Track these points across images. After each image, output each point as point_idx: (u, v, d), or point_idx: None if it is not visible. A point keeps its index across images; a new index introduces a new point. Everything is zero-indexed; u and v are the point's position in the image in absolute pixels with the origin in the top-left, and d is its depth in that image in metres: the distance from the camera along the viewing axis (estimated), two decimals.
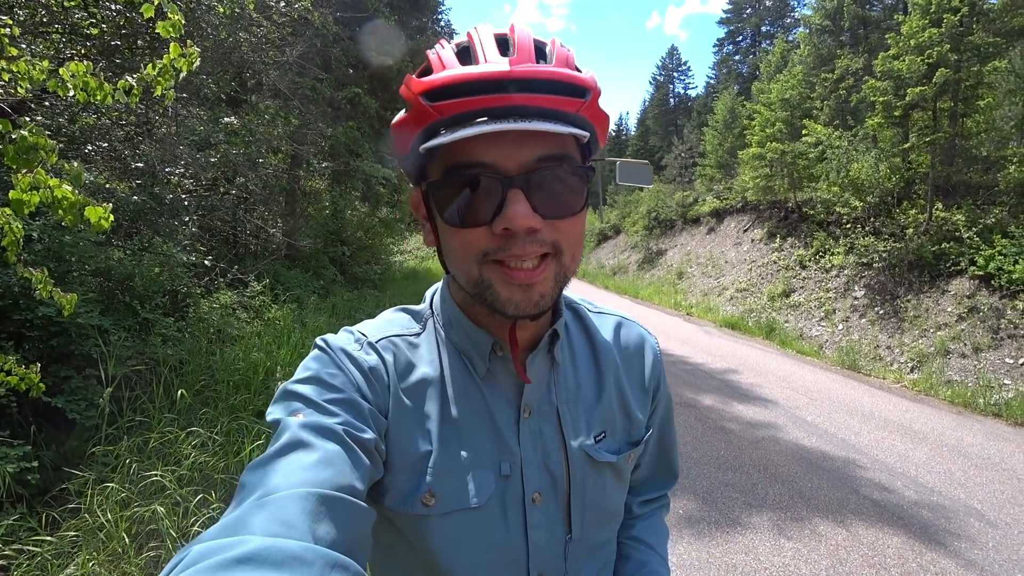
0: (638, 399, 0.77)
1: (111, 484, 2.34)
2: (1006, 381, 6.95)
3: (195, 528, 2.29)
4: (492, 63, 0.56)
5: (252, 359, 4.11)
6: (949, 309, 8.53)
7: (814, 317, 10.96)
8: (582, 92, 0.58)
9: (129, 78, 2.10)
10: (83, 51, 3.37)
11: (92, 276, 3.31)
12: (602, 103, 0.62)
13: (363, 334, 0.67)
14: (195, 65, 2.20)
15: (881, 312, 9.64)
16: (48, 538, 2.17)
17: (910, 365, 8.23)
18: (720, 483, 4.12)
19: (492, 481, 0.64)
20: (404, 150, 0.62)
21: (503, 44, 0.59)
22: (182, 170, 4.44)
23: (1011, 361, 7.20)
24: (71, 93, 1.86)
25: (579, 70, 0.60)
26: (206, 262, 4.63)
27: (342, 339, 0.66)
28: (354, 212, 11.22)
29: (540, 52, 0.59)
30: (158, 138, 4.19)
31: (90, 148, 3.87)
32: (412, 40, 9.24)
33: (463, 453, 0.64)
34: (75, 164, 1.82)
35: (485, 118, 0.54)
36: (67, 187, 1.68)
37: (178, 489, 2.41)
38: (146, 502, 2.34)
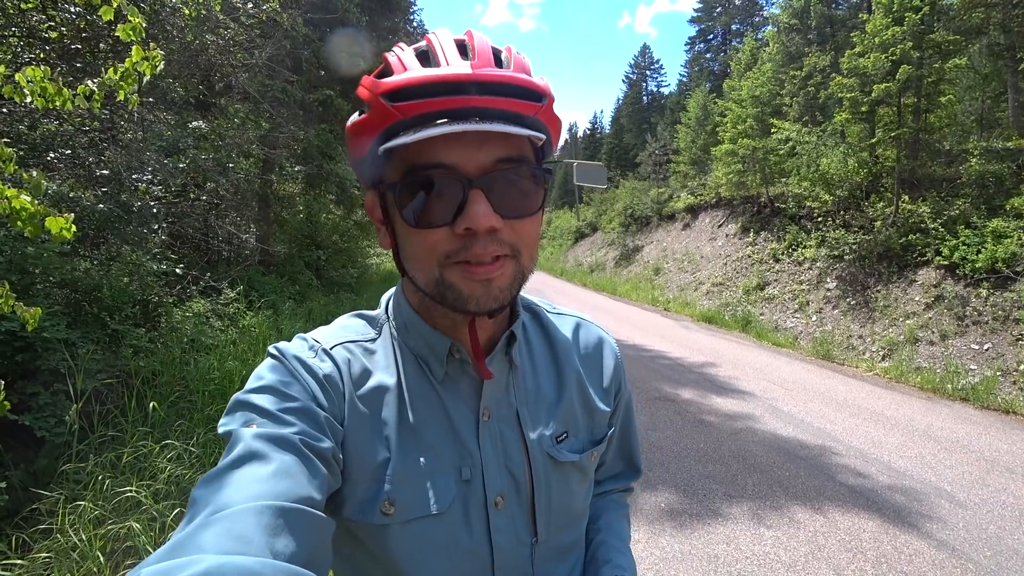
0: (600, 398, 0.78)
1: (83, 502, 2.26)
2: (972, 366, 7.20)
3: None
4: (454, 66, 0.56)
5: (227, 368, 4.03)
6: (917, 298, 8.81)
7: (788, 309, 11.20)
8: (539, 97, 0.59)
9: (90, 83, 2.04)
10: (42, 55, 3.25)
11: (58, 288, 3.20)
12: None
13: (317, 341, 0.66)
14: (159, 68, 2.15)
15: (852, 303, 9.90)
16: (19, 561, 2.09)
17: (881, 353, 8.48)
18: (700, 475, 4.18)
19: (453, 486, 0.63)
20: (360, 152, 0.61)
21: (463, 49, 0.59)
22: (150, 176, 4.31)
23: (976, 347, 7.47)
24: (28, 99, 1.80)
25: (532, 75, 0.62)
26: (177, 270, 4.52)
27: (296, 347, 0.64)
28: (329, 216, 11.09)
29: (497, 58, 0.60)
30: (124, 144, 4.06)
31: (52, 156, 3.73)
32: (384, 41, 9.15)
33: (422, 459, 0.63)
34: (35, 173, 1.76)
35: (446, 119, 0.55)
36: (25, 197, 1.62)
37: (154, 504, 2.35)
38: (121, 519, 2.27)
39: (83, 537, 2.11)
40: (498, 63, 0.59)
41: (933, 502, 3.80)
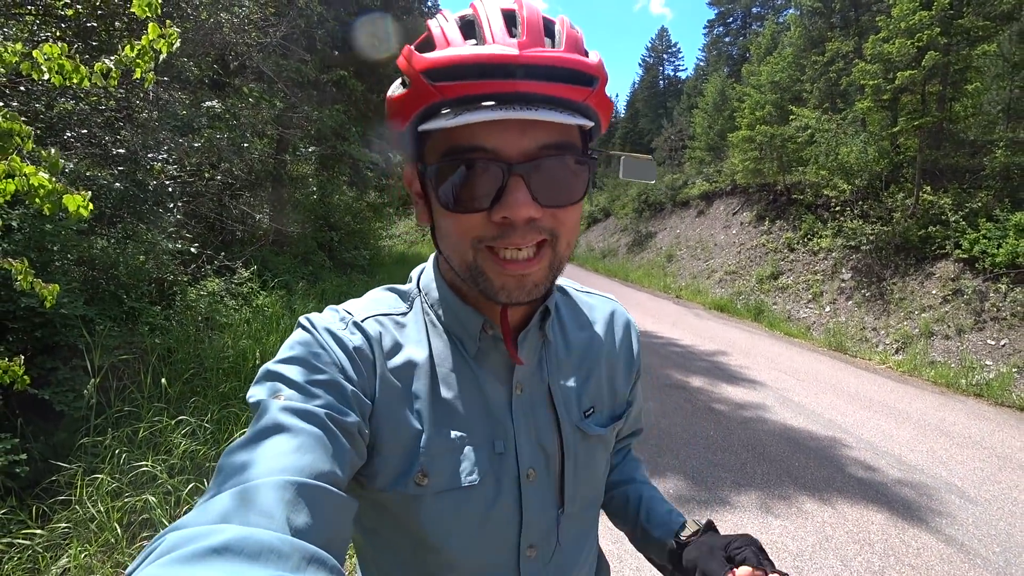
0: (623, 376, 0.80)
1: (101, 475, 2.32)
2: (988, 362, 7.10)
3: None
4: (500, 44, 0.53)
5: (241, 346, 4.08)
6: (934, 292, 8.66)
7: (802, 299, 11.08)
8: (590, 80, 0.56)
9: (107, 60, 2.03)
10: (58, 33, 3.25)
11: (75, 265, 3.24)
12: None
13: (349, 313, 0.66)
14: (175, 46, 2.14)
15: (867, 294, 9.77)
16: (38, 531, 2.16)
17: (895, 346, 8.38)
18: (709, 463, 4.19)
19: (486, 459, 0.64)
20: (400, 126, 0.59)
21: (510, 20, 0.56)
22: (165, 156, 4.33)
23: (993, 343, 7.35)
24: (45, 76, 1.80)
25: (587, 53, 0.58)
26: (192, 249, 4.56)
27: (327, 318, 0.64)
28: (342, 197, 11.09)
29: (549, 32, 0.57)
30: (139, 123, 4.08)
31: (69, 135, 3.76)
32: (399, 21, 9.04)
33: (455, 432, 0.63)
34: (52, 151, 1.77)
35: (491, 103, 0.52)
36: (43, 175, 1.63)
37: (169, 479, 2.40)
38: (137, 492, 2.32)
39: (100, 509, 2.17)
40: (549, 37, 0.56)
41: (943, 497, 3.77)
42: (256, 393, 0.55)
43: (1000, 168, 8.76)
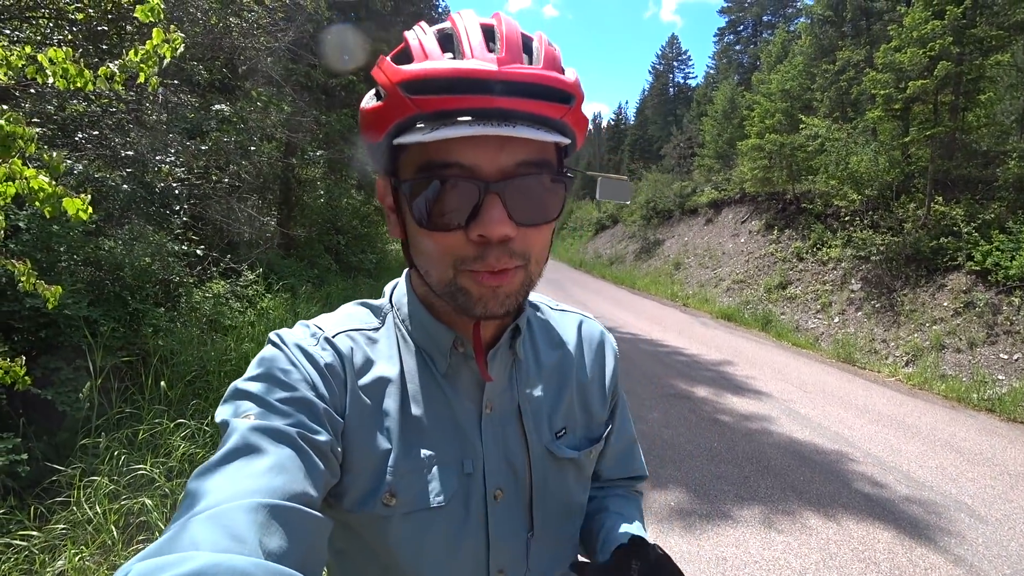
0: (598, 396, 0.77)
1: (99, 477, 2.32)
2: (1000, 376, 6.98)
3: None
4: (479, 60, 0.53)
5: (244, 349, 4.09)
6: (945, 304, 8.54)
7: (810, 310, 10.97)
8: (568, 98, 0.55)
9: (111, 65, 2.05)
10: (69, 36, 3.29)
11: (81, 266, 3.27)
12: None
13: (320, 328, 0.64)
14: (179, 51, 2.15)
15: (877, 306, 9.65)
16: (35, 532, 2.16)
17: (905, 359, 8.26)
18: (712, 475, 4.13)
19: (454, 479, 0.63)
20: (374, 139, 0.58)
21: (489, 35, 0.56)
22: (173, 158, 4.37)
23: (1006, 356, 7.22)
24: (50, 80, 1.82)
25: (564, 71, 0.58)
26: (198, 251, 4.59)
27: (297, 334, 0.63)
28: (349, 201, 11.14)
29: (527, 48, 0.56)
30: (148, 126, 4.12)
31: (80, 136, 3.80)
32: (407, 27, 9.10)
33: (424, 452, 0.62)
34: (55, 154, 1.78)
35: (468, 118, 0.51)
36: (43, 178, 1.64)
37: (167, 482, 2.40)
38: (135, 495, 2.32)
39: (98, 510, 2.17)
40: (527, 54, 0.56)
41: (952, 515, 3.70)
42: (224, 412, 0.54)
43: (1014, 179, 8.65)
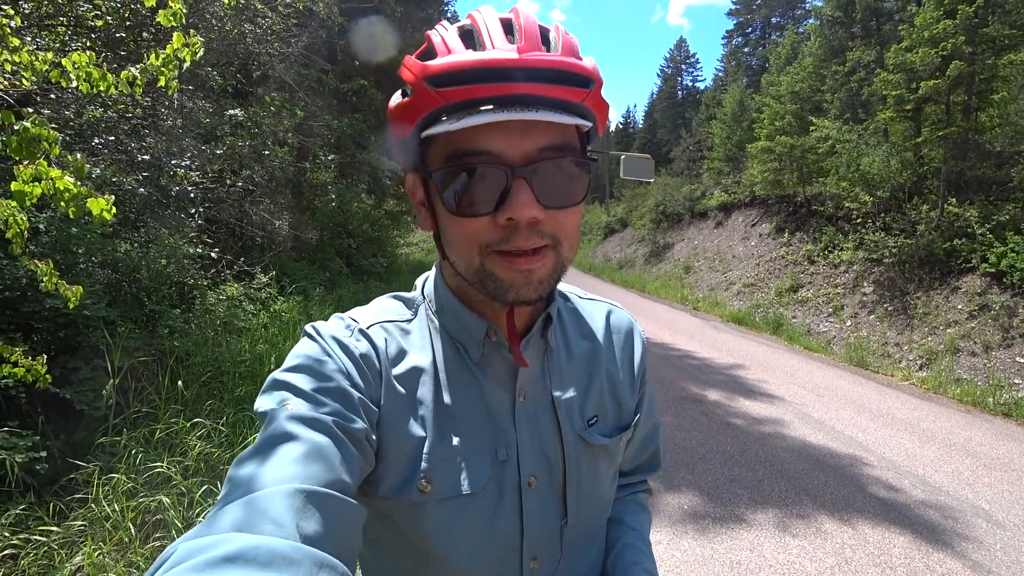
0: (627, 385, 0.78)
1: (117, 475, 2.35)
2: (1016, 380, 6.87)
3: (200, 519, 2.31)
4: (500, 49, 0.55)
5: (258, 351, 4.13)
6: (959, 307, 8.43)
7: (822, 313, 10.87)
8: (587, 82, 0.57)
9: (132, 69, 2.09)
10: (88, 43, 3.36)
11: (99, 268, 3.32)
12: (606, 95, 0.61)
13: (354, 320, 0.67)
14: (199, 55, 2.19)
15: (890, 309, 9.54)
16: (55, 528, 2.19)
17: (919, 363, 8.16)
18: (726, 479, 4.10)
19: (488, 466, 0.64)
20: (403, 134, 0.60)
21: (508, 28, 0.58)
22: (188, 162, 4.44)
23: (1022, 360, 7.11)
24: (73, 84, 1.86)
25: (581, 58, 0.60)
26: (212, 254, 4.64)
27: (332, 326, 0.65)
28: (360, 204, 11.23)
29: (545, 39, 0.58)
30: (164, 131, 4.19)
31: (97, 141, 3.87)
32: (418, 32, 9.18)
33: (458, 439, 0.63)
34: (78, 156, 1.82)
35: (491, 106, 0.54)
36: (69, 179, 1.67)
37: (183, 480, 2.43)
38: (152, 492, 2.35)
39: (116, 508, 2.20)
40: (545, 44, 0.58)
41: (969, 520, 3.64)
42: (263, 403, 0.56)
43: None
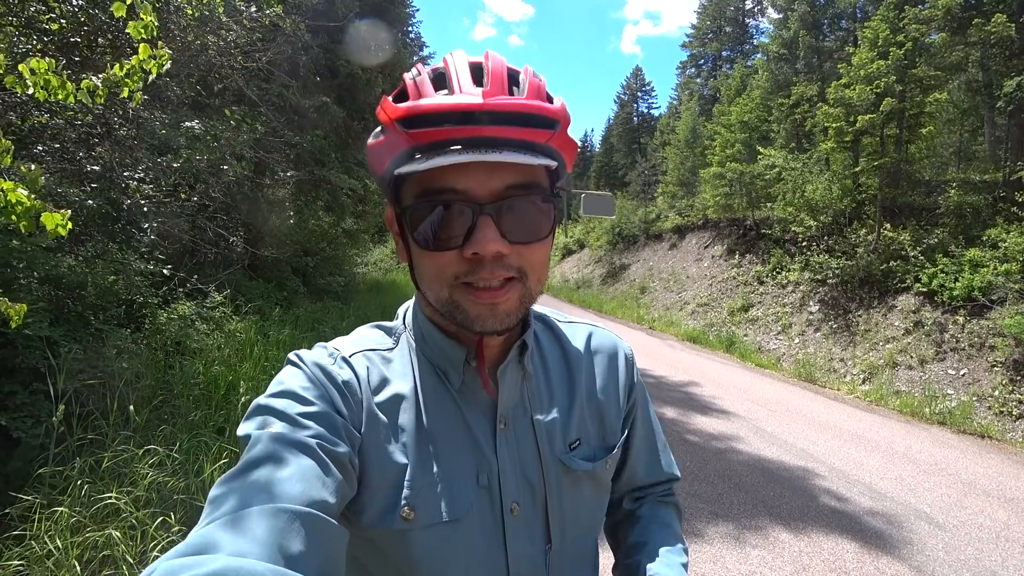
0: (612, 404, 0.78)
1: (60, 508, 2.17)
2: (949, 391, 7.36)
3: (154, 553, 2.15)
4: (466, 94, 0.57)
5: (212, 373, 3.94)
6: (896, 323, 9.00)
7: (772, 331, 11.35)
8: (551, 123, 0.60)
9: (94, 78, 2.01)
10: (39, 46, 3.19)
11: (40, 284, 3.10)
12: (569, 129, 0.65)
13: (337, 349, 0.68)
14: (165, 68, 2.13)
15: (835, 326, 10.08)
16: None
17: (862, 377, 8.62)
18: (687, 493, 4.19)
19: (471, 493, 0.64)
20: (379, 171, 0.63)
21: (477, 73, 0.60)
22: (141, 175, 4.24)
23: (953, 372, 7.63)
24: (30, 90, 1.77)
25: (551, 99, 0.63)
26: (164, 271, 4.43)
27: (316, 354, 0.66)
28: (318, 222, 10.99)
29: (513, 80, 0.61)
30: (116, 140, 4.00)
31: (41, 148, 3.65)
32: (382, 51, 9.21)
33: (440, 466, 0.64)
34: (32, 167, 1.72)
35: (459, 147, 0.56)
36: (22, 191, 1.58)
37: (134, 511, 2.27)
38: (99, 526, 2.18)
39: (59, 544, 2.03)
40: (515, 85, 0.61)
41: (913, 525, 3.85)
42: (246, 427, 0.56)
43: (954, 207, 9.28)
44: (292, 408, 0.57)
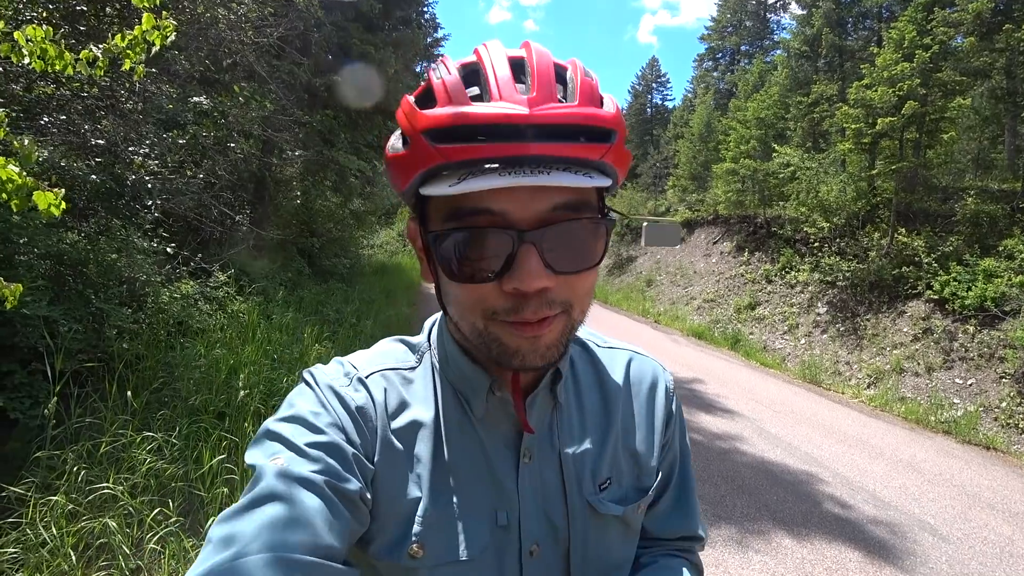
0: (648, 442, 0.71)
1: (56, 497, 2.12)
2: (955, 400, 7.28)
3: (150, 545, 2.11)
4: (508, 102, 0.48)
5: (214, 355, 3.89)
6: (905, 329, 8.89)
7: (778, 331, 11.27)
8: (607, 135, 0.51)
9: (94, 48, 1.92)
10: (44, 14, 3.08)
11: (41, 260, 3.04)
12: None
13: (354, 367, 0.63)
14: (169, 39, 2.04)
15: (842, 329, 9.98)
16: None
17: (867, 381, 8.55)
18: None
19: (487, 532, 0.59)
20: (401, 187, 0.55)
21: (518, 69, 0.52)
22: (147, 150, 4.16)
23: (960, 381, 7.55)
24: (26, 60, 1.68)
25: (602, 101, 0.53)
26: (168, 249, 4.36)
27: (331, 373, 0.61)
28: (325, 203, 10.91)
29: (560, 78, 0.52)
30: (122, 114, 3.90)
31: (46, 120, 3.56)
32: (396, 31, 9.05)
33: (456, 501, 0.59)
34: (26, 141, 1.64)
35: (497, 165, 0.47)
36: (13, 167, 1.50)
37: (131, 500, 2.22)
38: (96, 514, 2.14)
39: (54, 532, 1.99)
40: (561, 84, 0.52)
41: (916, 535, 3.80)
42: (253, 456, 0.53)
43: (971, 215, 9.12)
44: (301, 436, 0.53)
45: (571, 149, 0.49)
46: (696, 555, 0.79)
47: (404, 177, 0.53)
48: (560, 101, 0.50)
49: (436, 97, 0.51)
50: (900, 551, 3.57)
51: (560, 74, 0.53)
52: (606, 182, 0.52)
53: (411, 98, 0.53)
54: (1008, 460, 5.88)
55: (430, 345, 0.67)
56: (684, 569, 0.71)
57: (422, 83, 0.55)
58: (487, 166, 0.47)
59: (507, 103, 0.48)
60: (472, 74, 0.52)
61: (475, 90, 0.51)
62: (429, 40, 12.49)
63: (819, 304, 10.93)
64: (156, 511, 2.25)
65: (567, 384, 0.67)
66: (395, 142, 0.55)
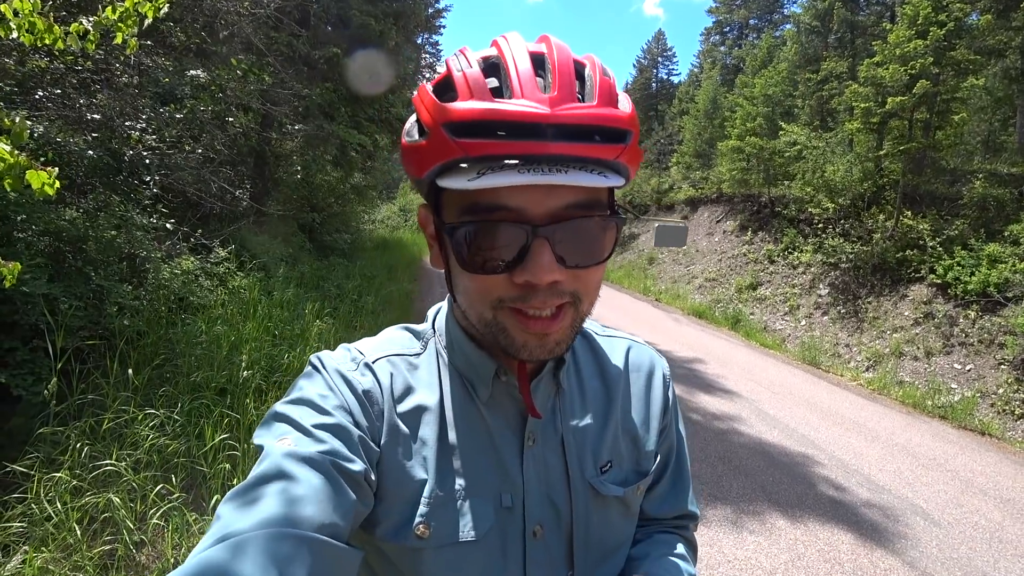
0: (646, 427, 0.74)
1: (60, 473, 2.16)
2: (953, 385, 7.32)
3: (153, 520, 2.15)
4: (529, 100, 0.50)
5: (215, 332, 3.90)
6: (906, 313, 8.89)
7: (779, 311, 11.27)
8: (623, 136, 0.53)
9: (84, 21, 1.87)
10: None
11: (40, 237, 3.02)
12: None
13: (361, 352, 0.65)
14: (162, 11, 1.98)
15: (843, 311, 9.98)
16: None
17: (866, 364, 8.58)
18: None
19: (492, 513, 0.61)
20: (417, 175, 0.56)
21: (539, 64, 0.53)
22: (143, 125, 4.09)
23: (959, 367, 7.58)
24: (14, 34, 1.64)
25: (618, 100, 0.54)
26: (168, 225, 4.34)
27: (337, 358, 0.63)
28: (325, 177, 10.82)
29: (579, 77, 0.53)
30: (118, 88, 3.82)
31: (41, 94, 3.50)
32: (397, 1, 8.82)
33: (461, 482, 0.61)
34: (18, 119, 1.61)
35: (516, 161, 0.49)
36: (4, 146, 1.47)
37: (134, 476, 2.26)
38: (100, 489, 2.17)
39: (58, 507, 2.03)
40: (579, 82, 0.52)
41: (908, 519, 3.86)
42: (261, 436, 0.54)
43: (978, 198, 9.01)
44: (308, 418, 0.54)
45: (588, 149, 0.50)
46: (690, 532, 0.83)
47: (420, 167, 0.54)
48: (579, 99, 0.51)
49: (457, 89, 0.52)
50: (892, 534, 3.63)
51: (579, 71, 0.54)
52: (619, 181, 0.54)
53: (430, 88, 0.54)
54: (1002, 446, 5.93)
55: (435, 332, 0.69)
56: (679, 544, 0.76)
57: (439, 72, 0.56)
58: (507, 162, 0.49)
59: (529, 101, 0.49)
60: (492, 67, 0.53)
61: (494, 82, 0.52)
62: (431, 11, 12.19)
63: (821, 286, 10.90)
64: (159, 486, 2.29)
65: (569, 370, 0.70)
66: (412, 131, 0.56)
